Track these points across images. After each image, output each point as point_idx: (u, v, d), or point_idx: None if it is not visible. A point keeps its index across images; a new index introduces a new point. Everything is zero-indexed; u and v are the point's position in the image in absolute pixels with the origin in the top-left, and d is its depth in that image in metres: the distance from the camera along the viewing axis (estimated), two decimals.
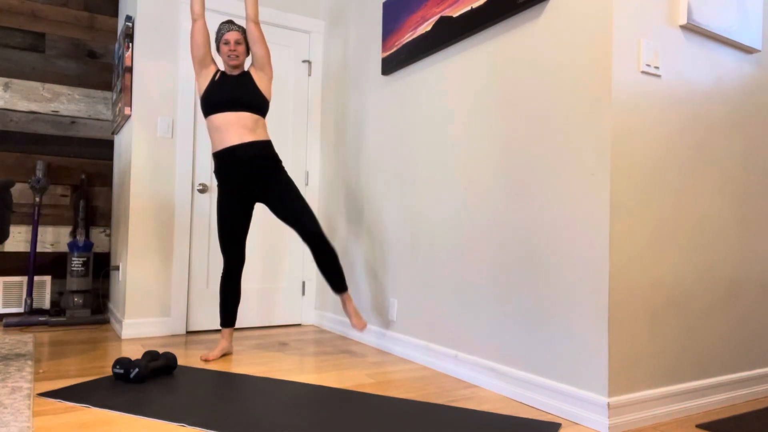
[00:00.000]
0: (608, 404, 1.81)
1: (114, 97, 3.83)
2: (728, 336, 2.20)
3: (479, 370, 2.34)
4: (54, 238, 3.85)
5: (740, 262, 2.26)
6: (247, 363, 2.63)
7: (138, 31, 3.25)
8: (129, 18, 3.28)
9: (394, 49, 2.97)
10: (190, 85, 3.38)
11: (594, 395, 1.86)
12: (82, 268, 3.62)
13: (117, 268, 3.52)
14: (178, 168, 3.34)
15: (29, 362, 2.50)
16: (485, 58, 2.40)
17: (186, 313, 3.36)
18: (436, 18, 2.64)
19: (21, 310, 3.71)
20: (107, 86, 4.01)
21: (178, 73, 3.35)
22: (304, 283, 3.78)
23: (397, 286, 2.93)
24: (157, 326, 3.25)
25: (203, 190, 3.42)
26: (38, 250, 3.80)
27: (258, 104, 2.67)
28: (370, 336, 3.14)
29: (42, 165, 3.69)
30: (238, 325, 3.54)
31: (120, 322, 3.25)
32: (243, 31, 2.73)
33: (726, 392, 2.16)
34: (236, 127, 2.63)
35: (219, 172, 2.70)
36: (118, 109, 3.58)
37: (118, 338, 3.16)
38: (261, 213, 3.65)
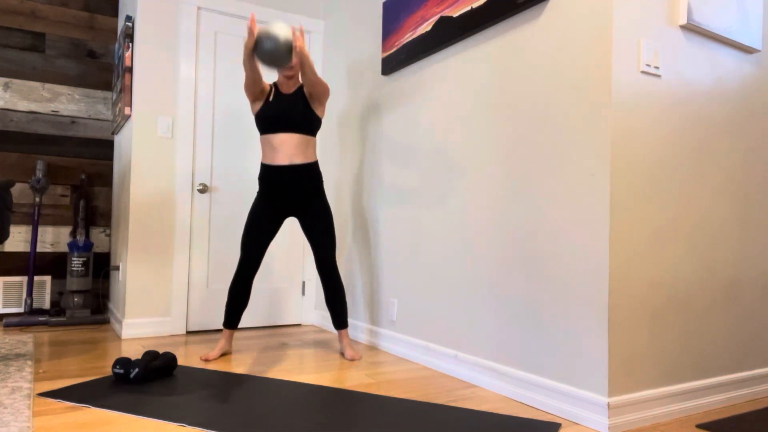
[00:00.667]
0: (608, 404, 1.81)
1: (114, 97, 3.83)
2: (728, 336, 2.20)
3: (479, 370, 2.34)
4: (54, 238, 3.85)
5: (740, 263, 2.26)
6: (247, 363, 2.63)
7: (138, 31, 3.25)
8: (129, 18, 3.28)
9: (394, 49, 2.97)
10: (190, 85, 3.38)
11: (594, 395, 1.86)
12: (82, 268, 3.62)
13: (117, 268, 3.52)
14: (178, 168, 3.34)
15: (29, 362, 2.50)
16: (485, 58, 2.40)
17: (186, 313, 3.36)
18: (436, 18, 2.64)
19: (21, 310, 3.71)
20: (107, 86, 4.01)
21: (178, 73, 3.35)
22: (304, 283, 3.78)
23: (397, 285, 2.93)
24: (157, 326, 3.26)
25: (203, 190, 3.42)
26: (38, 250, 3.80)
27: (310, 126, 2.71)
28: (370, 336, 3.14)
29: (42, 165, 3.69)
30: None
31: (120, 322, 3.25)
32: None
33: (726, 392, 2.16)
34: (287, 147, 2.67)
35: (263, 181, 2.74)
36: (118, 109, 3.58)
37: (118, 338, 3.16)
38: None
